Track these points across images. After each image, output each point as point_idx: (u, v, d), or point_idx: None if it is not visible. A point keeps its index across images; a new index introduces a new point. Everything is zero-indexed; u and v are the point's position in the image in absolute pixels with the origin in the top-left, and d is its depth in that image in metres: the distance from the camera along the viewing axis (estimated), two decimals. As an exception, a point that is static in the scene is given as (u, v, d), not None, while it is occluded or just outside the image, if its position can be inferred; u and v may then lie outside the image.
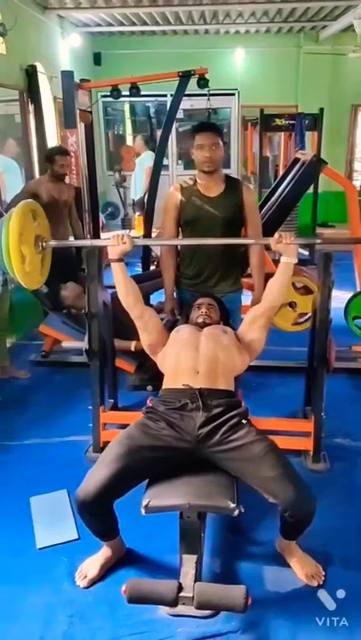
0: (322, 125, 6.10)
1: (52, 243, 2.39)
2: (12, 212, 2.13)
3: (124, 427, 2.92)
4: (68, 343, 3.26)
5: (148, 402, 2.13)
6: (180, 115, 7.75)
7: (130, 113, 8.90)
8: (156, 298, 3.88)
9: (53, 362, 3.93)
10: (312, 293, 3.63)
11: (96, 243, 2.50)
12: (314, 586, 2.04)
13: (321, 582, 2.05)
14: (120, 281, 2.29)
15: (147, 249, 4.74)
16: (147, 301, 4.00)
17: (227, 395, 2.07)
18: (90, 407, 2.84)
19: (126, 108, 8.79)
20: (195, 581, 1.79)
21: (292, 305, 3.62)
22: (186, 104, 6.74)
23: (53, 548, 2.24)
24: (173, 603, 1.72)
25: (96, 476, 1.87)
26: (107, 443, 2.83)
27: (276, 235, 2.24)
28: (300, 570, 2.08)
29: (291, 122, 6.07)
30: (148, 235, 4.67)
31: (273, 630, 1.88)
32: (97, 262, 2.69)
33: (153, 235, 4.73)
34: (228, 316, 2.60)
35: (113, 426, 2.93)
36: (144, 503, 1.83)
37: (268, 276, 3.64)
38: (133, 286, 2.31)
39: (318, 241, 2.55)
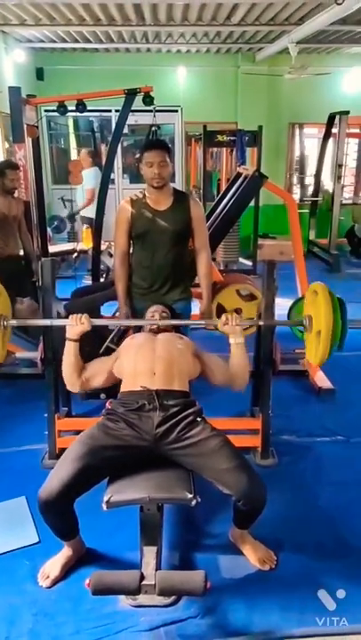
0: (261, 142, 6.40)
1: (13, 322, 2.40)
2: None
3: (79, 433, 3.04)
4: (21, 354, 3.30)
5: (107, 404, 2.23)
6: (125, 129, 7.91)
7: (74, 127, 8.97)
8: (105, 309, 3.97)
9: (3, 374, 3.93)
10: (255, 299, 3.84)
11: (56, 322, 2.57)
12: (266, 570, 2.18)
13: (273, 566, 2.20)
14: (70, 360, 2.33)
15: (96, 260, 4.83)
16: (98, 313, 4.09)
17: (182, 395, 2.20)
18: (45, 415, 2.90)
19: (70, 122, 8.87)
20: (156, 570, 1.89)
21: (237, 311, 3.81)
22: (130, 119, 6.83)
23: (14, 552, 2.28)
24: (136, 591, 1.82)
25: (59, 474, 1.94)
26: (63, 449, 2.90)
27: (223, 317, 2.35)
28: (253, 556, 2.22)
29: (232, 138, 6.34)
30: (97, 247, 4.78)
31: (230, 613, 2.00)
32: (51, 275, 2.77)
33: (102, 247, 4.84)
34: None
35: (68, 433, 2.99)
36: (105, 499, 1.92)
37: (215, 284, 3.86)
38: (80, 364, 2.35)
39: (261, 322, 2.75)
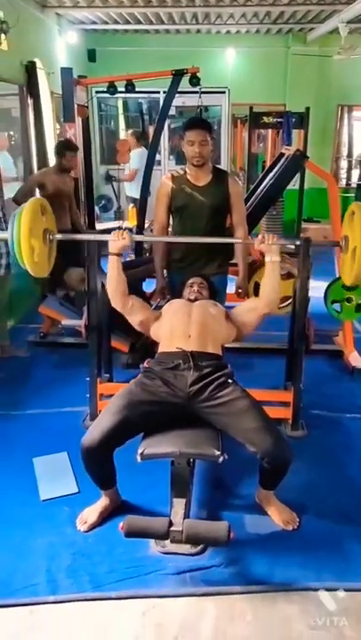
0: (308, 124, 6.36)
1: (59, 236, 2.61)
2: (23, 208, 2.33)
3: (119, 397, 3.22)
4: (67, 321, 3.49)
5: (145, 363, 2.39)
6: (171, 111, 7.98)
7: (123, 109, 9.12)
8: (147, 286, 4.12)
9: (50, 342, 4.16)
10: (293, 277, 3.89)
11: (99, 237, 2.77)
12: (289, 530, 2.30)
13: (296, 527, 2.31)
14: (114, 273, 2.52)
15: (139, 242, 4.97)
16: (139, 285, 4.25)
17: (215, 357, 2.34)
18: (87, 379, 3.08)
19: (120, 103, 9.01)
20: (184, 519, 2.04)
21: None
22: (178, 101, 6.96)
23: (56, 500, 2.48)
24: (165, 536, 1.98)
25: (100, 425, 2.12)
26: (102, 412, 3.12)
27: (260, 236, 2.49)
28: (278, 516, 2.34)
29: (278, 120, 6.32)
30: (141, 225, 4.92)
31: (252, 565, 2.13)
32: (97, 249, 2.94)
33: (146, 225, 4.98)
34: (216, 294, 2.86)
35: (108, 397, 3.17)
36: (140, 451, 2.08)
37: (253, 262, 3.94)
38: (124, 281, 2.54)
39: (298, 242, 2.82)
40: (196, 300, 2.61)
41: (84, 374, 3.09)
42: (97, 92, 6.73)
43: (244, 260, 3.15)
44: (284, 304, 3.98)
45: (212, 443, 2.12)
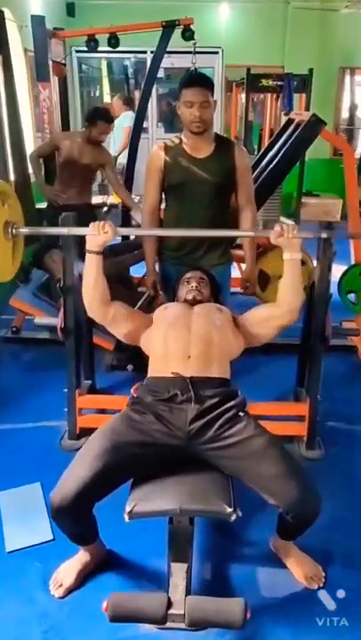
0: (311, 87, 5.79)
1: (24, 230, 2.11)
2: None
3: (101, 412, 2.74)
4: (40, 319, 2.98)
5: (132, 391, 1.89)
6: (160, 73, 7.32)
7: (107, 71, 8.40)
8: (136, 271, 3.61)
9: (24, 338, 3.63)
10: (303, 264, 3.41)
11: (74, 231, 2.23)
12: (314, 588, 1.87)
13: (321, 584, 1.88)
14: (91, 277, 2.00)
15: (126, 216, 4.43)
16: (126, 274, 3.74)
17: (221, 383, 1.84)
18: (65, 390, 2.59)
19: (103, 65, 8.29)
20: (186, 595, 1.58)
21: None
22: (166, 62, 6.31)
23: (25, 550, 2.01)
24: (162, 621, 1.52)
25: (75, 475, 1.63)
26: (83, 429, 2.64)
27: (277, 227, 1.96)
28: (299, 571, 1.90)
29: (278, 83, 5.75)
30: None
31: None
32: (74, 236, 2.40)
33: (135, 200, 4.43)
34: (219, 291, 2.36)
35: (90, 410, 2.69)
36: (128, 508, 1.61)
37: (257, 247, 3.44)
38: (103, 286, 2.02)
39: (325, 235, 2.30)
40: (195, 300, 2.11)
41: (64, 379, 2.60)
42: (77, 52, 6.07)
43: (253, 249, 2.64)
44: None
45: (222, 494, 1.65)
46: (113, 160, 6.11)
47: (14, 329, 3.65)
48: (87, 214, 3.88)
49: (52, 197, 3.73)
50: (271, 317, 2.04)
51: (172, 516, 1.64)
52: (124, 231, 1.96)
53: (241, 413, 1.75)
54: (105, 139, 3.83)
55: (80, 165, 3.70)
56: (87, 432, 2.64)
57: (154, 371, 1.91)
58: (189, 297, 2.13)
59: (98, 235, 1.97)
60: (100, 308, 2.01)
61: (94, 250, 1.99)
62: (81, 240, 2.43)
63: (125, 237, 4.04)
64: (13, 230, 2.03)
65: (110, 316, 2.02)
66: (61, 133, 4.11)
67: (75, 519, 1.70)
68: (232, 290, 2.91)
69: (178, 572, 1.65)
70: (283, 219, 6.73)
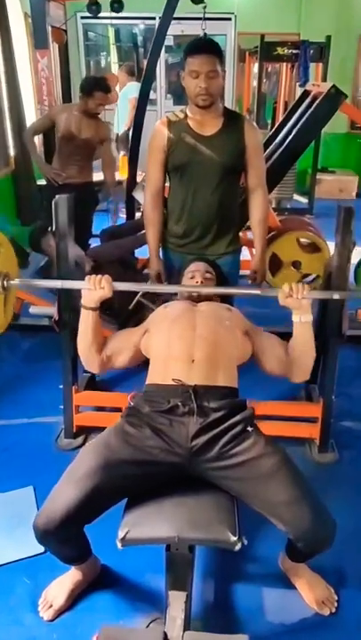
0: (328, 56, 5.45)
1: (16, 282, 1.92)
2: None
3: (100, 409, 2.57)
4: (35, 308, 2.80)
5: (128, 398, 1.70)
6: (169, 41, 6.97)
7: (114, 39, 8.02)
8: (141, 252, 3.40)
9: (22, 325, 3.45)
10: (319, 251, 3.20)
11: (67, 285, 2.04)
12: (325, 614, 1.71)
13: (334, 610, 1.72)
14: (87, 336, 1.82)
15: (130, 194, 4.20)
16: (129, 257, 3.53)
17: (228, 393, 1.65)
18: (61, 386, 2.42)
19: (110, 32, 7.91)
20: (184, 630, 1.43)
21: (295, 265, 3.18)
22: (176, 29, 6.00)
23: (13, 565, 1.86)
24: (157, 660, 1.37)
25: (62, 496, 1.46)
26: (80, 427, 2.48)
27: (286, 287, 1.73)
28: (309, 594, 1.74)
29: (294, 51, 5.42)
30: (132, 178, 4.12)
31: None
32: (67, 213, 2.20)
33: (138, 178, 4.19)
34: (226, 283, 2.16)
35: (89, 408, 2.53)
36: (120, 534, 1.44)
37: (269, 230, 3.21)
38: (99, 340, 1.85)
39: (336, 296, 2.07)
40: (199, 297, 1.91)
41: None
42: (82, 18, 5.75)
43: (263, 237, 2.42)
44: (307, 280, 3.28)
45: (226, 519, 1.47)
46: (115, 137, 5.86)
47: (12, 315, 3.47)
48: (88, 195, 3.67)
49: (52, 176, 3.51)
50: (285, 368, 1.85)
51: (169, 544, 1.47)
52: (122, 286, 1.76)
53: (249, 428, 1.56)
54: (102, 110, 3.59)
55: (79, 141, 3.47)
56: (85, 430, 2.50)
57: (153, 376, 1.72)
58: (194, 293, 1.93)
59: (94, 289, 1.77)
60: (97, 358, 1.86)
61: (89, 306, 1.80)
62: (76, 222, 2.25)
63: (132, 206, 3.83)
64: (5, 282, 1.86)
65: (105, 358, 1.87)
66: (57, 107, 3.89)
67: (63, 542, 1.55)
68: (243, 272, 2.67)
69: (176, 602, 1.49)
70: (296, 196, 6.48)
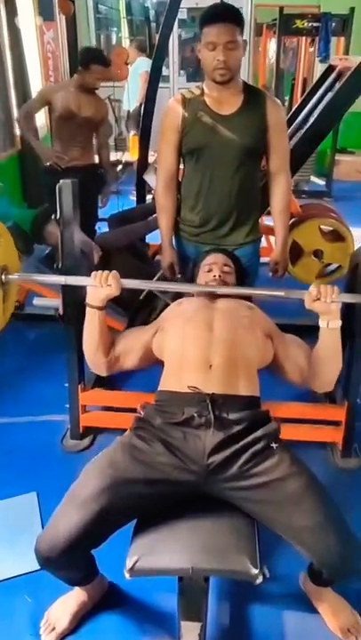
0: (351, 29, 5.16)
1: (14, 277, 1.77)
2: None
3: (109, 409, 2.42)
4: (39, 300, 2.64)
5: (138, 408, 1.55)
6: (182, 15, 6.69)
7: (125, 12, 7.73)
8: (152, 238, 3.22)
9: (28, 315, 3.29)
10: (342, 240, 3.00)
11: (71, 281, 1.87)
12: (351, 642, 1.57)
13: (359, 638, 1.58)
14: (93, 335, 1.68)
15: (141, 176, 4.01)
16: (138, 244, 3.34)
17: (249, 403, 1.49)
18: (66, 385, 2.27)
19: (121, 5, 7.62)
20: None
21: (317, 254, 2.98)
22: (189, 1, 5.73)
23: (13, 581, 1.73)
24: None
25: (66, 520, 1.32)
26: (87, 428, 2.34)
27: (313, 289, 1.54)
28: (333, 620, 1.60)
29: (315, 24, 5.13)
30: (144, 158, 3.93)
31: None
32: (72, 199, 2.02)
33: (150, 159, 3.99)
34: (246, 276, 1.99)
35: (96, 407, 2.38)
36: (129, 563, 1.30)
37: (291, 216, 3.01)
38: (106, 341, 1.71)
39: None
40: (217, 294, 1.74)
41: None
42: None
43: (285, 225, 2.24)
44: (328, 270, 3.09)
45: (246, 548, 1.32)
46: (127, 114, 5.60)
47: (17, 304, 3.30)
48: (93, 178, 3.47)
49: (54, 160, 3.30)
50: (308, 376, 1.70)
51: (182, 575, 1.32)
52: (131, 284, 1.60)
53: (273, 445, 1.40)
54: (99, 84, 3.37)
55: (80, 119, 3.25)
56: (92, 431, 2.35)
57: (166, 382, 1.56)
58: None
59: (101, 287, 1.61)
60: (104, 359, 1.73)
61: (95, 305, 1.65)
62: (81, 207, 2.08)
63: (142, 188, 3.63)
64: (4, 277, 1.71)
65: (113, 358, 1.74)
66: (51, 85, 3.63)
67: (67, 568, 1.42)
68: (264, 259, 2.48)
69: (190, 635, 1.35)
70: (313, 178, 6.23)
